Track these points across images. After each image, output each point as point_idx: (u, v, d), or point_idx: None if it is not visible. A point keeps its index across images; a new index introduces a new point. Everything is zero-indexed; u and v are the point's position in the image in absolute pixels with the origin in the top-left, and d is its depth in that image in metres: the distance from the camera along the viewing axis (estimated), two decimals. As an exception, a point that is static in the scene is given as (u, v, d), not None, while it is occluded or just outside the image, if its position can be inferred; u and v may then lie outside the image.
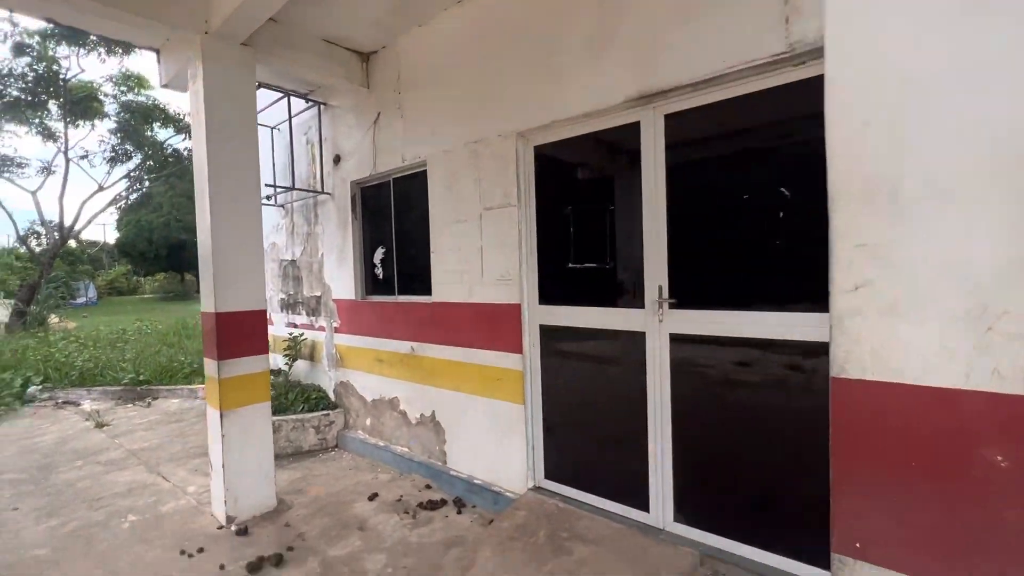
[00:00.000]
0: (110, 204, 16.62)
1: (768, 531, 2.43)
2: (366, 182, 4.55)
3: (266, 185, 5.09)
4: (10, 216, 15.01)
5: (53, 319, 13.75)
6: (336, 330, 4.92)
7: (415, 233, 4.17)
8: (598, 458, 3.10)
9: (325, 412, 4.81)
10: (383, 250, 4.50)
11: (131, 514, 3.59)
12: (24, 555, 3.09)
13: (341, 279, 4.81)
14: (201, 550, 3.07)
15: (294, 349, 5.31)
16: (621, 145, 2.86)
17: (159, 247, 33.23)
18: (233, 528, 3.32)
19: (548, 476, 3.28)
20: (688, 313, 2.60)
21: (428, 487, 3.88)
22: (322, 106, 4.92)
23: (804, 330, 2.25)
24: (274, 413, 4.54)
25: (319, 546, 3.10)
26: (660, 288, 2.68)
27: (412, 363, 4.09)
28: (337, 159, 4.77)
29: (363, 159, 4.46)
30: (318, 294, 5.16)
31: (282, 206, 5.61)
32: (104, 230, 64.52)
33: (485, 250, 3.45)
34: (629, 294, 2.85)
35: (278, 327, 5.84)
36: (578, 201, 3.14)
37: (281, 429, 4.59)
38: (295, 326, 5.52)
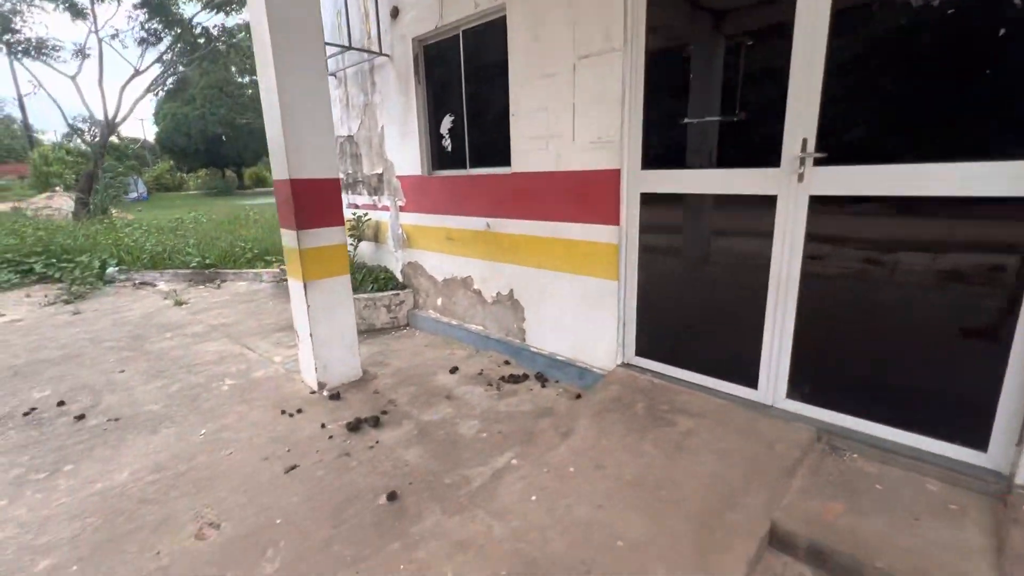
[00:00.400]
0: (148, 91, 16.27)
1: (897, 408, 2.25)
2: (430, 38, 4.03)
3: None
4: (57, 104, 14.96)
5: (113, 212, 14.22)
6: (401, 209, 4.72)
7: (490, 96, 3.73)
8: (699, 335, 2.93)
9: (395, 292, 4.79)
10: (452, 118, 4.10)
11: (227, 379, 3.77)
12: (140, 409, 3.30)
13: (404, 154, 4.50)
14: (300, 411, 3.20)
15: (358, 230, 5.19)
16: (770, -43, 2.27)
17: (197, 142, 33.28)
18: (325, 393, 3.44)
19: (639, 353, 3.16)
20: (839, 171, 2.20)
21: (507, 363, 3.88)
22: (373, -53, 4.25)
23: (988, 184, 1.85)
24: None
25: (411, 411, 3.17)
26: (805, 142, 2.26)
27: (488, 240, 3.89)
28: (395, 12, 4.21)
29: (425, 10, 3.90)
30: (379, 171, 4.89)
31: (334, 74, 5.15)
32: (143, 127, 65.00)
33: (578, 108, 3.03)
34: (760, 151, 2.44)
35: (338, 209, 5.69)
36: (701, 39, 2.62)
37: (354, 307, 4.61)
38: (356, 207, 5.35)
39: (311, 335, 3.35)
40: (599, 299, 3.19)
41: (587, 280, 3.24)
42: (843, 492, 2.09)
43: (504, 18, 3.36)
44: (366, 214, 5.15)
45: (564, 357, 3.50)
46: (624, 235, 3.00)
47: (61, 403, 3.40)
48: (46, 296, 6.41)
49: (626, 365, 3.20)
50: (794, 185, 2.33)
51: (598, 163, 3.00)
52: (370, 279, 4.93)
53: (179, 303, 6.08)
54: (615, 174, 2.93)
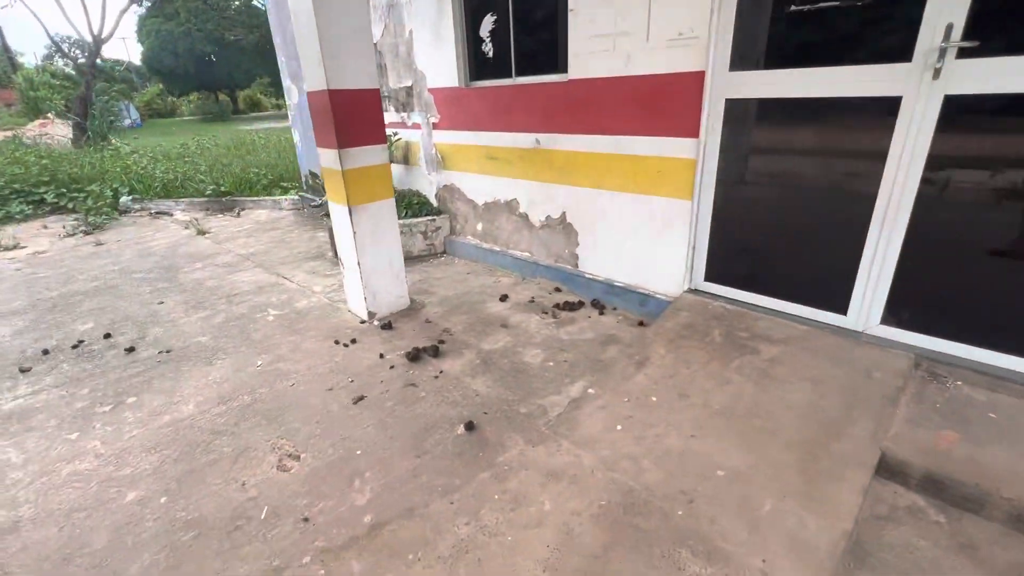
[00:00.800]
0: (132, 1, 14.98)
1: (1009, 334, 2.10)
2: (468, -82, 3.47)
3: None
4: (38, 19, 13.84)
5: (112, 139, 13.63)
6: (435, 127, 4.36)
7: (541, -12, 3.27)
8: (780, 259, 2.73)
9: (431, 218, 4.56)
10: (493, 19, 3.64)
11: (271, 309, 3.66)
12: (190, 341, 3.23)
13: (438, 63, 4.07)
14: (354, 341, 3.10)
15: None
16: None
17: (186, 62, 31.35)
18: (376, 323, 3.33)
19: (709, 278, 2.99)
20: (990, 64, 1.88)
21: (558, 290, 3.73)
22: None
23: None
24: None
25: (469, 340, 3.07)
26: (949, 28, 1.92)
27: (537, 159, 3.59)
28: None
29: None
30: (408, 84, 4.47)
31: (350, -29, 4.57)
32: (126, 47, 61.07)
33: (655, 0, 2.62)
34: (886, 44, 2.10)
35: (361, 129, 5.31)
36: None
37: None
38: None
39: (359, 264, 3.18)
40: (668, 221, 2.96)
41: (654, 200, 2.99)
42: (953, 421, 1.99)
43: None
44: (395, 134, 4.79)
45: (623, 283, 3.33)
46: (703, 148, 2.71)
47: (108, 335, 3.33)
48: (64, 227, 6.22)
49: (694, 291, 3.04)
50: (926, 83, 2.01)
51: (677, 65, 2.64)
52: (402, 204, 4.67)
53: (202, 232, 5.88)
54: (698, 77, 2.59)
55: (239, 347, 3.12)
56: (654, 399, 2.31)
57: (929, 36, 1.96)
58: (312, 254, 4.92)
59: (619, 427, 2.18)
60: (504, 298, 3.62)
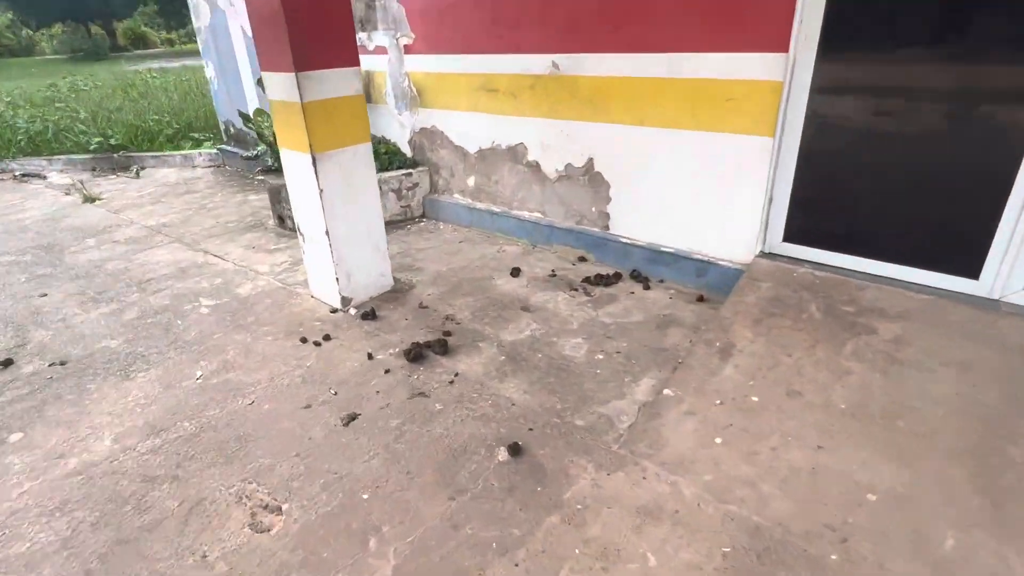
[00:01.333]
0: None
1: None
2: None
3: None
4: None
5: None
6: (407, 50, 3.85)
7: None
8: (890, 211, 2.47)
9: (406, 171, 4.09)
10: None
11: (203, 298, 3.16)
12: (93, 347, 2.71)
13: (410, -38, 3.55)
14: (328, 337, 2.68)
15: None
16: None
17: (45, -18, 28.36)
18: (352, 311, 2.90)
19: (789, 239, 2.72)
20: None
21: (582, 259, 3.40)
22: None
23: None
24: None
25: (484, 330, 2.70)
26: None
27: (554, 88, 3.18)
28: None
29: None
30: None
31: None
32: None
33: None
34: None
35: (302, 57, 4.70)
36: None
37: (353, 194, 3.93)
38: (333, 51, 4.40)
39: (327, 232, 2.72)
40: (739, 165, 2.65)
41: (721, 138, 2.67)
42: None
43: None
44: (352, 61, 4.23)
45: (672, 248, 3.02)
46: (792, 67, 2.39)
47: (-31, 345, 2.76)
48: None
49: (769, 255, 2.77)
50: (1123, -34, 1.74)
51: (762, -49, 2.28)
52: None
53: (90, 199, 5.16)
54: (792, -32, 2.24)
55: (166, 353, 2.64)
56: (755, 399, 2.03)
57: None
58: (247, 223, 4.36)
59: (718, 440, 1.90)
60: (516, 272, 3.25)
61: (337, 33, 2.50)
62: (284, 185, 3.90)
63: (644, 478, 1.80)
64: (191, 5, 5.67)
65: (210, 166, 6.27)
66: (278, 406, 2.23)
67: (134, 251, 3.91)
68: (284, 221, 4.12)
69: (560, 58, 3.09)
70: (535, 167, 3.49)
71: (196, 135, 6.98)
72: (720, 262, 2.86)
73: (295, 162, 2.68)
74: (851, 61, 2.35)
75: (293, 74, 2.40)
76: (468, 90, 3.61)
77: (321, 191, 2.63)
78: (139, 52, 34.90)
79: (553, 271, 3.27)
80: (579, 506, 1.71)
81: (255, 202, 4.91)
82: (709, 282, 2.91)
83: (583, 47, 2.98)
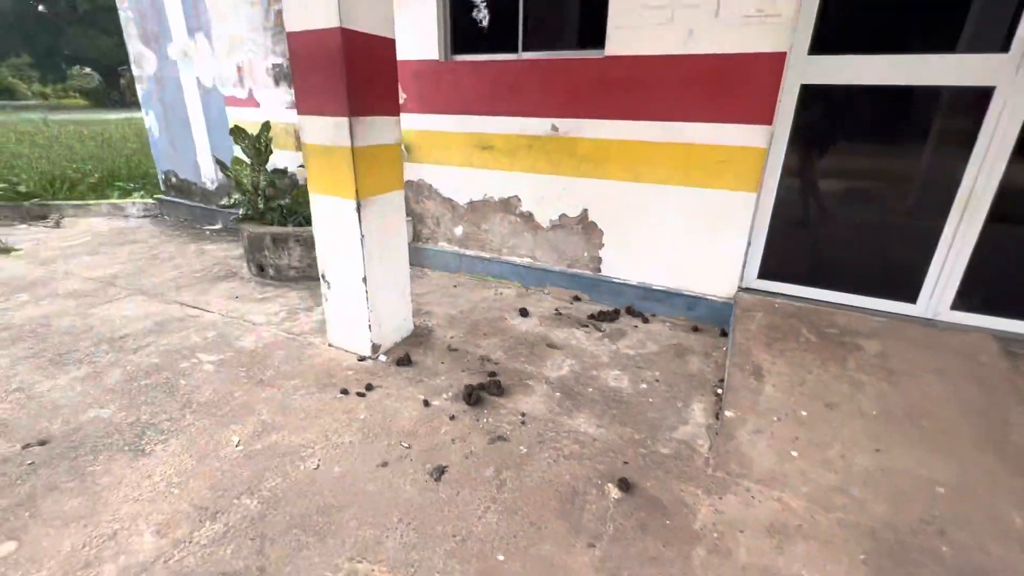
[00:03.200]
0: None
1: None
2: None
3: None
4: None
5: None
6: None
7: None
8: (845, 250, 2.68)
9: (393, 221, 3.68)
10: (493, -21, 3.05)
11: (200, 353, 2.49)
12: (80, 419, 1.97)
13: (404, 30, 3.29)
14: (370, 387, 2.22)
15: (318, 139, 3.82)
16: None
17: None
18: (383, 358, 2.47)
19: (763, 276, 2.83)
20: (1087, 55, 2.01)
21: (577, 299, 3.26)
22: None
23: None
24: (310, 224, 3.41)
25: (525, 368, 2.43)
26: (1048, 21, 2.00)
27: (553, 148, 3.08)
28: None
29: None
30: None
31: (265, -100, 3.50)
32: None
33: (731, -32, 2.37)
34: (980, 33, 2.14)
35: (271, 109, 4.14)
36: None
37: (343, 242, 3.45)
38: (310, 106, 3.92)
39: (364, 279, 2.30)
40: (725, 216, 2.73)
41: (710, 193, 2.73)
42: (1072, 396, 2.07)
43: None
44: (334, 116, 3.78)
45: (663, 286, 3.01)
46: (775, 137, 2.54)
47: None
48: None
49: (748, 290, 2.86)
50: (1021, 75, 2.08)
51: (753, 45, 2.42)
52: (352, 205, 3.71)
53: (5, 250, 3.98)
54: (777, 60, 2.40)
55: (181, 419, 2.00)
56: (804, 413, 2.01)
57: (1028, 28, 2.03)
58: (216, 273, 3.62)
59: (794, 453, 1.83)
60: (525, 312, 3.02)
61: (386, 82, 2.19)
62: (267, 234, 3.33)
63: (753, 498, 1.66)
64: (132, 54, 4.77)
65: (146, 216, 5.21)
66: (350, 467, 1.76)
67: (87, 305, 3.02)
68: (264, 270, 3.48)
69: (559, 121, 3.01)
70: (528, 217, 3.33)
71: (122, 184, 5.80)
72: (707, 297, 2.90)
73: (334, 208, 2.24)
74: (817, 134, 2.55)
75: (347, 118, 2.03)
76: (462, 147, 3.38)
77: (363, 237, 2.22)
78: (9, 103, 29.08)
79: (557, 310, 3.09)
80: (715, 534, 1.52)
81: (215, 252, 4.12)
82: (699, 314, 2.93)
83: (582, 113, 2.93)
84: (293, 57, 2.08)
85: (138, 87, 4.89)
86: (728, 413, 2.02)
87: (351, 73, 1.99)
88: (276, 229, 3.38)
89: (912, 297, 2.54)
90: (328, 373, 2.34)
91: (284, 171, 3.95)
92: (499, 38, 3.11)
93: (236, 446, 1.85)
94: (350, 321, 2.45)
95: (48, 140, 7.72)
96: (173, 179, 5.15)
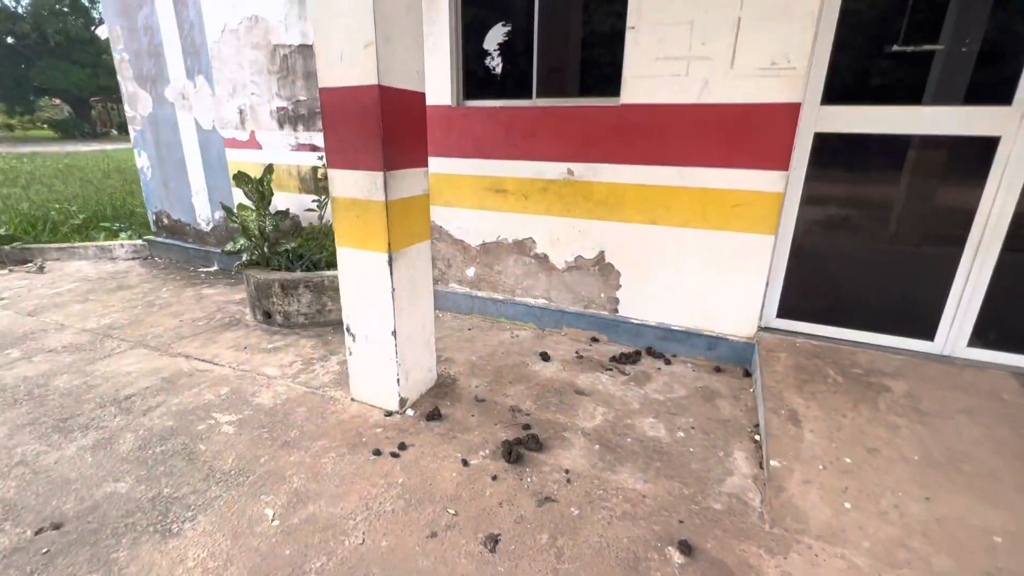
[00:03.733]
0: None
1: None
2: (480, -91, 2.92)
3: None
4: None
5: None
6: (407, 152, 3.52)
7: (580, 3, 2.88)
8: (862, 289, 2.74)
9: (403, 263, 3.63)
10: (507, 30, 3.10)
11: (217, 413, 2.36)
12: (96, 495, 1.83)
13: (416, 75, 3.31)
14: (403, 446, 2.13)
15: (326, 181, 3.77)
16: None
17: None
18: (410, 412, 2.38)
19: (782, 315, 2.87)
20: (1085, 109, 2.13)
21: (595, 340, 3.24)
22: None
23: None
24: (326, 267, 3.37)
25: (558, 419, 2.37)
26: (1047, 78, 2.13)
27: (568, 191, 3.10)
28: None
29: None
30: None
31: (273, -50, 3.52)
32: None
33: (746, 24, 2.46)
34: (986, 87, 2.26)
35: (273, 151, 4.08)
36: None
37: (354, 286, 3.37)
38: (315, 148, 3.88)
39: (394, 332, 2.23)
40: (743, 257, 2.77)
41: (728, 236, 2.78)
42: (1097, 433, 2.12)
43: None
44: (342, 159, 3.75)
45: (682, 327, 3.02)
46: (790, 182, 2.60)
47: None
48: None
49: (768, 329, 2.89)
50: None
51: (768, 95, 2.50)
52: (360, 248, 3.64)
53: (-12, 300, 3.77)
54: (792, 109, 2.48)
55: (207, 491, 1.87)
56: (848, 460, 2.00)
57: (1029, 83, 2.16)
58: (219, 321, 3.48)
59: (847, 504, 1.81)
60: (546, 356, 2.98)
61: (417, 135, 2.18)
62: (276, 280, 3.25)
63: (816, 556, 1.63)
64: (125, 94, 4.67)
65: (135, 258, 5.02)
66: (398, 540, 1.66)
67: (86, 361, 2.86)
68: (271, 317, 3.36)
69: (575, 166, 3.04)
70: (543, 258, 3.32)
71: (108, 224, 5.61)
72: (728, 337, 2.92)
73: (363, 261, 2.19)
74: (831, 178, 2.63)
75: (381, 173, 2.00)
76: (474, 190, 3.38)
77: (393, 290, 2.17)
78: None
79: (577, 352, 3.06)
80: (788, 600, 1.48)
81: (215, 296, 3.98)
82: (720, 355, 2.94)
83: (598, 158, 2.97)
84: (325, 111, 2.06)
85: (131, 127, 4.78)
86: (774, 463, 2.00)
87: (387, 128, 1.97)
88: (286, 275, 3.28)
89: (929, 335, 2.60)
90: (356, 431, 2.24)
91: (286, 213, 3.87)
92: (513, 85, 3.16)
93: (272, 521, 1.73)
94: (376, 375, 2.36)
95: (27, 179, 7.44)
96: (165, 220, 4.99)
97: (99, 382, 2.63)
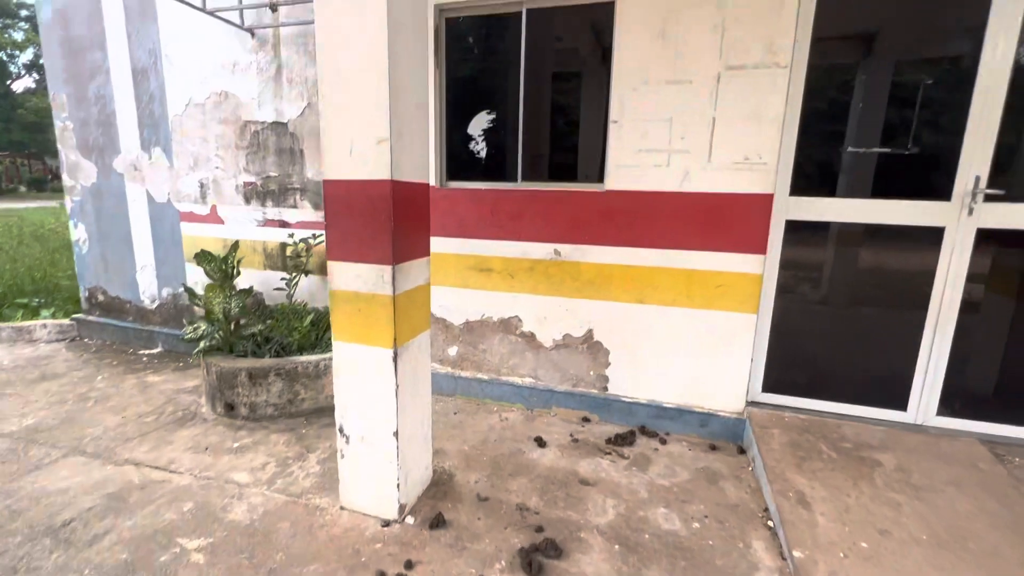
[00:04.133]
0: None
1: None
2: (466, 9, 3.07)
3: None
4: None
5: None
6: (386, 230, 3.45)
7: (566, 95, 3.05)
8: (839, 364, 2.90)
9: (381, 343, 3.45)
10: (491, 117, 3.20)
11: (182, 537, 2.04)
12: (35, 671, 1.47)
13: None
14: (410, 564, 1.91)
15: (295, 259, 3.59)
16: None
17: None
18: (410, 519, 2.17)
19: (766, 389, 2.96)
20: (1013, 208, 2.45)
21: (586, 420, 3.18)
22: None
23: None
24: (298, 351, 3.18)
25: (569, 516, 2.24)
26: (977, 179, 2.46)
27: (555, 272, 3.13)
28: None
29: (464, -29, 2.96)
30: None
31: (250, 31, 3.50)
32: None
33: (720, 123, 2.69)
34: (928, 185, 2.56)
35: (237, 226, 3.87)
36: (871, 66, 2.62)
37: (329, 372, 3.15)
38: (287, 224, 3.72)
39: (395, 433, 2.07)
40: (729, 335, 2.88)
41: (713, 315, 2.88)
42: (1067, 498, 2.28)
43: (612, 4, 2.78)
44: (314, 235, 3.60)
45: (673, 404, 3.04)
46: (767, 265, 2.78)
47: None
48: None
49: (755, 403, 2.96)
50: (964, 218, 2.50)
51: (743, 186, 2.71)
52: (321, 328, 3.44)
53: None
54: (766, 199, 2.69)
55: (182, 646, 1.56)
56: (864, 545, 2.01)
57: (963, 184, 2.48)
58: (171, 415, 3.10)
59: (877, 597, 1.80)
60: (541, 442, 2.87)
61: (422, 226, 2.13)
62: (242, 369, 2.98)
63: (864, 662, 1.58)
64: (65, 163, 4.32)
65: (60, 339, 4.46)
66: None
67: (7, 477, 2.41)
68: (234, 408, 3.04)
69: (562, 247, 3.10)
70: (530, 337, 3.28)
71: (24, 300, 4.99)
72: (719, 413, 2.96)
73: (364, 357, 2.04)
74: (798, 260, 2.83)
75: (390, 267, 1.92)
76: (458, 269, 3.34)
77: (397, 387, 2.03)
78: None
79: (572, 435, 2.97)
80: None
81: (161, 385, 3.57)
82: (713, 431, 2.96)
83: (584, 239, 3.05)
84: (329, 203, 1.97)
85: (68, 198, 4.39)
86: (797, 553, 1.97)
87: (397, 221, 1.91)
88: (254, 363, 3.01)
89: (903, 405, 2.77)
90: (353, 549, 1.99)
91: (250, 291, 3.61)
92: (497, 168, 3.23)
93: None
94: (372, 479, 2.15)
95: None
96: (100, 296, 4.52)
97: (26, 504, 2.21)
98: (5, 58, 30.46)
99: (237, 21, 3.47)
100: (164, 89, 3.84)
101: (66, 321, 4.55)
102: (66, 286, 5.49)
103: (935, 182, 2.54)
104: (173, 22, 3.73)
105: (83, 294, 4.58)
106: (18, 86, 33.72)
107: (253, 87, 3.59)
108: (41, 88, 34.89)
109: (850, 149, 2.67)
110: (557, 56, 3.16)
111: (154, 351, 4.24)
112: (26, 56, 32.60)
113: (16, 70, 33.20)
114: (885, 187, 2.65)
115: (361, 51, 1.81)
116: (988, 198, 2.47)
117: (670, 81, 2.73)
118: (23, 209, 17.55)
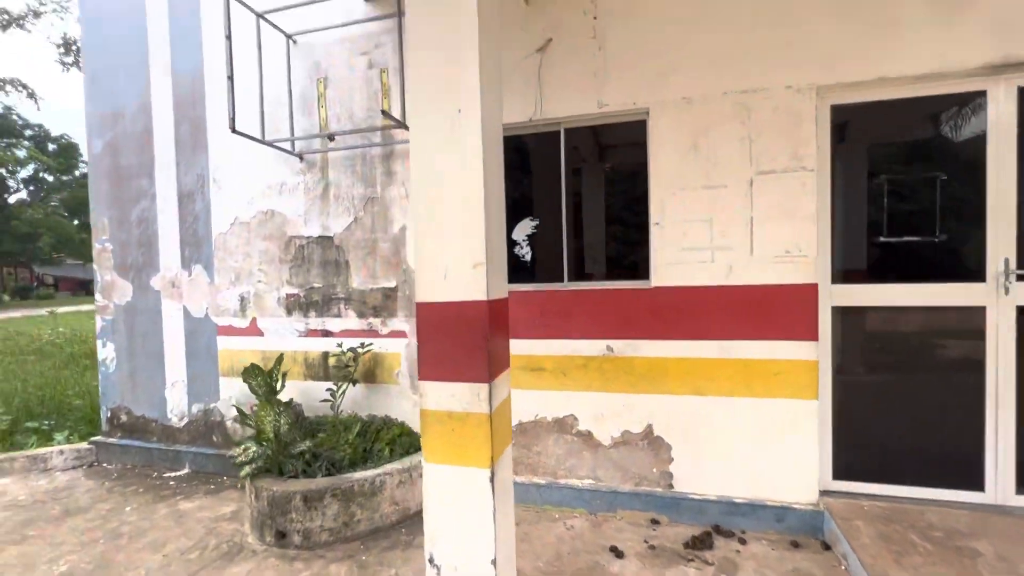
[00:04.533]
0: None
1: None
2: (509, 129, 3.35)
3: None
4: None
5: None
6: (433, 335, 3.48)
7: (609, 200, 3.27)
8: (907, 444, 2.88)
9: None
10: (534, 223, 3.38)
11: None
12: None
13: (445, 263, 3.44)
14: None
15: (342, 368, 3.57)
16: (950, 112, 2.74)
17: None
18: (509, 660, 1.99)
19: (837, 476, 2.91)
20: (1043, 285, 2.62)
21: (655, 522, 3.04)
22: (402, 17, 3.46)
23: None
24: (349, 467, 3.08)
25: (676, 641, 2.09)
26: (1007, 261, 2.64)
27: (609, 368, 3.16)
28: (447, 95, 3.40)
29: (511, 99, 3.28)
30: (390, 285, 3.58)
31: (300, 156, 3.74)
32: None
33: (758, 221, 2.88)
34: (964, 268, 2.73)
35: (277, 338, 3.87)
36: (891, 169, 2.89)
37: (385, 488, 3.02)
38: (331, 334, 3.73)
39: (494, 561, 1.96)
40: (792, 423, 2.88)
41: (772, 403, 2.90)
42: None
43: (644, 123, 3.08)
44: (363, 344, 3.61)
45: (744, 499, 2.95)
46: (821, 351, 2.85)
47: None
48: None
49: (827, 492, 2.89)
50: (1002, 297, 2.65)
51: (787, 277, 2.85)
52: (385, 439, 3.35)
53: None
54: (811, 288, 2.83)
55: None
56: (999, 653, 1.90)
57: (994, 266, 2.66)
58: (216, 549, 2.89)
59: None
60: (618, 552, 2.72)
61: (506, 336, 2.18)
62: (296, 492, 2.86)
63: None
64: (100, 283, 4.36)
65: (77, 466, 4.22)
66: None
67: (49, 642, 2.17)
68: (285, 536, 2.86)
69: (613, 342, 3.15)
70: (586, 436, 3.22)
71: (34, 423, 4.77)
72: (794, 506, 2.87)
73: (458, 479, 1.98)
74: (856, 343, 2.92)
75: (487, 384, 1.93)
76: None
77: (495, 510, 1.96)
78: None
79: (646, 541, 2.83)
80: None
81: (197, 513, 3.35)
82: (791, 526, 2.85)
83: (635, 335, 3.11)
84: (422, 325, 2.02)
85: (98, 317, 4.37)
86: (934, 669, 1.85)
87: (492, 335, 1.96)
88: (307, 484, 2.88)
89: (979, 485, 2.73)
90: None
91: (289, 403, 3.54)
92: (544, 271, 3.35)
93: None
94: (468, 616, 2.00)
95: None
96: (123, 417, 4.36)
97: (78, 676, 1.98)
98: (6, 174, 31.43)
99: (288, 148, 3.72)
100: (210, 210, 4.01)
101: (83, 445, 4.34)
102: (78, 406, 5.28)
103: (969, 265, 2.72)
104: (222, 149, 3.98)
105: (104, 415, 4.41)
106: (13, 198, 34.51)
107: (300, 205, 3.77)
108: (36, 200, 35.77)
109: (882, 239, 2.87)
110: (598, 166, 3.42)
111: (180, 472, 4.02)
112: (26, 171, 33.72)
113: (15, 184, 34.16)
114: (925, 272, 2.80)
115: (457, 186, 1.95)
116: (1020, 278, 2.64)
117: (706, 186, 2.97)
118: (8, 319, 17.25)
